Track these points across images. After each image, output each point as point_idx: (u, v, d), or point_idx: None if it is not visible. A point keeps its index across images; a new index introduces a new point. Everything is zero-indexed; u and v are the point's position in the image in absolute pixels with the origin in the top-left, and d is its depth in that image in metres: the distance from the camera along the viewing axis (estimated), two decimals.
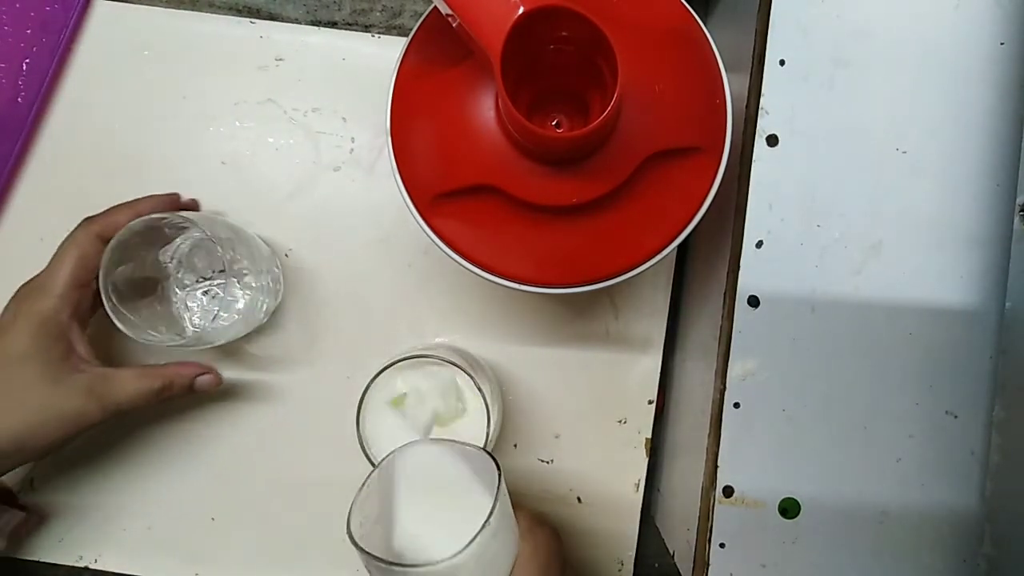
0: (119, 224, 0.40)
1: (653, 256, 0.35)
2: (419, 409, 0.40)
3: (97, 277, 0.39)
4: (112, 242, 0.39)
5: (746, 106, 0.37)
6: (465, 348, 0.46)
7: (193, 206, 0.47)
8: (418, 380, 0.41)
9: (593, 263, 0.35)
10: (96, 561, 0.47)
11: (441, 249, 0.35)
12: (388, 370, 0.40)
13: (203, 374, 0.44)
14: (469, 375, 0.39)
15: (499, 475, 0.32)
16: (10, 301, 0.40)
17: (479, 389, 0.39)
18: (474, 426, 0.40)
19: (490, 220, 0.35)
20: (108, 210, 0.41)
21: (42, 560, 0.48)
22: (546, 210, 0.34)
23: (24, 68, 0.48)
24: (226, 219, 0.45)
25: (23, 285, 0.41)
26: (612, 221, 0.34)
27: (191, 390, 0.43)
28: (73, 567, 0.48)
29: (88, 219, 0.41)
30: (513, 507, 0.33)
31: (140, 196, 0.43)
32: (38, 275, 0.40)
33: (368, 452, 0.39)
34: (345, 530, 0.30)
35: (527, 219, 0.34)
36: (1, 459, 0.38)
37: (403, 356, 0.40)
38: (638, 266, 0.35)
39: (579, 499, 0.48)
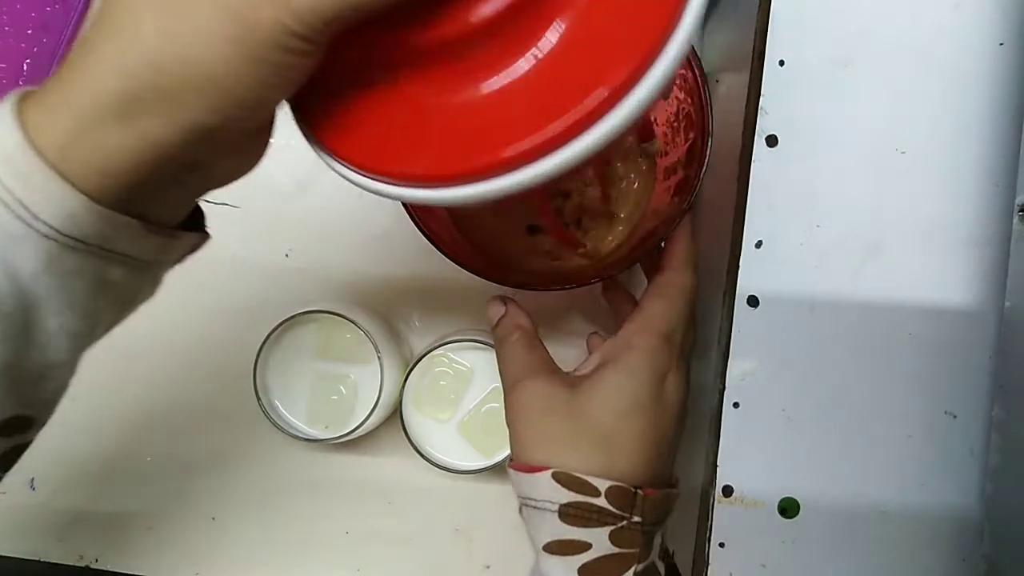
0: None
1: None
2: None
3: None
4: None
5: (746, 106, 0.37)
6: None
7: None
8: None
9: (543, 114, 0.21)
10: (96, 561, 0.47)
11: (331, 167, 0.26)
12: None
13: None
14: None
15: None
16: None
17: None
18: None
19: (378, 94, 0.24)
20: None
21: (42, 560, 0.48)
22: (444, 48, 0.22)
23: (24, 68, 0.48)
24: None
25: None
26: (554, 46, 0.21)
27: None
28: (73, 567, 0.48)
29: None
30: None
31: None
32: None
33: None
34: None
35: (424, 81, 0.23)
36: (183, 108, 0.22)
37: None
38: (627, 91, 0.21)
39: None
